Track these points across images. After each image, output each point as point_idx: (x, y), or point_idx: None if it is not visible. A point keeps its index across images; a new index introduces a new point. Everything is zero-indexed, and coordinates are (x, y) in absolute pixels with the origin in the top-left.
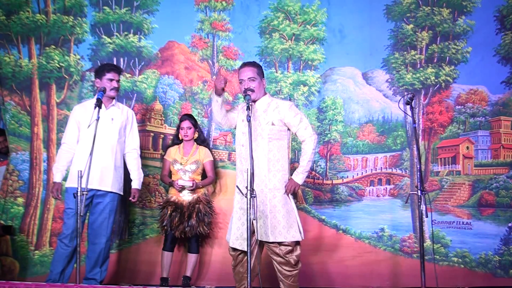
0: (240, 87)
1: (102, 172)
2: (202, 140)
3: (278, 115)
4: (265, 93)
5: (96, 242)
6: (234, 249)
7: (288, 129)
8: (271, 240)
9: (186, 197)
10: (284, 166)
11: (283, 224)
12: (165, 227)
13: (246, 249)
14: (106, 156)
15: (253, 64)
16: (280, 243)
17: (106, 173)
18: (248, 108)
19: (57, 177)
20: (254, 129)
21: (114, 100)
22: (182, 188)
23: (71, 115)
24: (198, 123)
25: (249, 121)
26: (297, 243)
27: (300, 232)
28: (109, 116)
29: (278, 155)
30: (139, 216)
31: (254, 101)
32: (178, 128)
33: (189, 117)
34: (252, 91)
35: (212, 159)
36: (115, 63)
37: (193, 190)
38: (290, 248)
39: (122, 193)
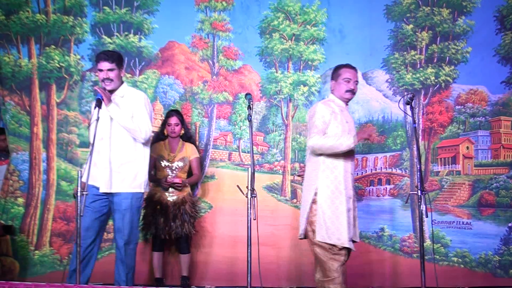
0: (344, 85)
1: (103, 173)
2: (189, 137)
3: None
4: None
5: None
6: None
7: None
8: (356, 240)
9: (171, 196)
10: None
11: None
12: (151, 229)
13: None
14: (104, 156)
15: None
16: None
17: (107, 173)
18: (249, 107)
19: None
20: (343, 130)
21: (120, 89)
22: (169, 186)
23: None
24: (188, 119)
25: (250, 120)
26: None
27: None
28: (108, 115)
29: None
30: (140, 216)
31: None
32: (164, 123)
33: (177, 113)
34: (354, 94)
35: (199, 156)
36: None
37: (180, 188)
38: None
39: (141, 190)
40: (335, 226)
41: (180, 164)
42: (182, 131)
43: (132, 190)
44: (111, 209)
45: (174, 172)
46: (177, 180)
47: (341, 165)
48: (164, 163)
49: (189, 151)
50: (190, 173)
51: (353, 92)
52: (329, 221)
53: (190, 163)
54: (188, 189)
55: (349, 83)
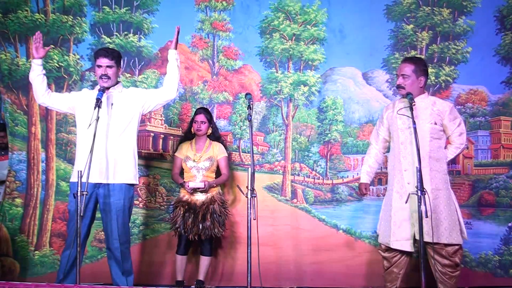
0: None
1: (101, 165)
2: (217, 137)
3: (439, 115)
4: (424, 91)
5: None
6: (389, 250)
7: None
8: (434, 241)
9: (199, 196)
10: (443, 166)
11: (445, 226)
12: (178, 229)
13: (408, 250)
14: (102, 150)
15: (411, 60)
16: (446, 245)
17: (104, 166)
18: (249, 107)
19: None
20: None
21: (117, 86)
22: (194, 190)
23: (78, 92)
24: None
25: (250, 120)
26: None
27: (462, 234)
28: (108, 102)
29: (438, 155)
30: (140, 217)
31: (414, 99)
32: (192, 121)
33: (204, 110)
34: (403, 88)
35: (227, 155)
36: None
37: (205, 191)
38: (456, 248)
39: (135, 182)
40: (383, 225)
41: (207, 164)
42: (210, 131)
43: (126, 182)
44: (101, 211)
45: (201, 172)
46: (199, 185)
47: (391, 158)
48: (190, 163)
49: (216, 151)
50: (218, 173)
51: (397, 86)
52: (382, 219)
53: (218, 163)
54: (217, 189)
55: (397, 78)
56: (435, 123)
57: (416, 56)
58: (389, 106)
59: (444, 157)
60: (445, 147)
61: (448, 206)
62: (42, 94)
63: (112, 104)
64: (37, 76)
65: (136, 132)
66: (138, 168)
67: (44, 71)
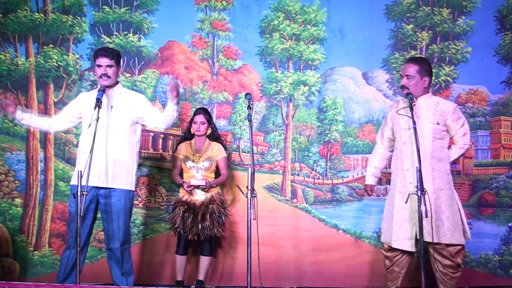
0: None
1: (100, 168)
2: (216, 137)
3: (442, 115)
4: (428, 91)
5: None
6: (391, 249)
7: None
8: (435, 241)
9: (198, 196)
10: (446, 166)
11: (447, 226)
12: (178, 229)
13: (408, 250)
14: (102, 152)
15: (415, 60)
16: (447, 245)
17: (104, 169)
18: (249, 107)
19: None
20: (417, 126)
21: (116, 86)
22: (194, 188)
23: (76, 98)
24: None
25: (250, 120)
26: (463, 244)
27: (465, 234)
28: (107, 104)
29: (441, 155)
30: (139, 216)
31: (414, 99)
32: (191, 122)
33: (204, 111)
34: (407, 88)
35: (226, 156)
36: None
37: (205, 189)
38: (458, 249)
39: (133, 189)
40: (385, 224)
41: (206, 164)
42: (209, 131)
43: (125, 187)
44: (102, 211)
45: (200, 172)
46: (200, 183)
47: (395, 158)
48: (189, 163)
49: (216, 151)
50: (218, 173)
51: (401, 87)
52: (385, 218)
53: (218, 163)
54: (216, 189)
55: (401, 78)
56: (438, 123)
57: (420, 56)
58: (393, 106)
59: (447, 157)
60: (449, 147)
61: (451, 206)
62: (49, 125)
63: (112, 107)
64: (30, 121)
65: (137, 135)
66: (138, 168)
67: (29, 114)
